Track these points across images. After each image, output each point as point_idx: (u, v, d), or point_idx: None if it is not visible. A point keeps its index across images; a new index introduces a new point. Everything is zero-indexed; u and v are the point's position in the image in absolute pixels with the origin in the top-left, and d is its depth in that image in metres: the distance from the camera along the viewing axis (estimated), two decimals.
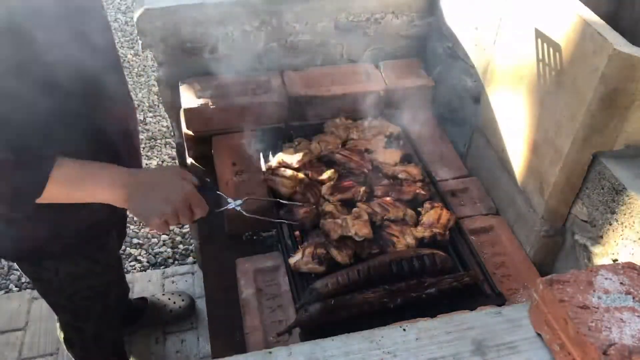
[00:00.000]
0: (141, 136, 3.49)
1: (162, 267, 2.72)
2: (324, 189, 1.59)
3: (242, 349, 1.32)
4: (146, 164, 3.32)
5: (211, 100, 1.85)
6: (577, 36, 1.20)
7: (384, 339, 0.86)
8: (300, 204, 1.53)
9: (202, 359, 2.34)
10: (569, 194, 1.36)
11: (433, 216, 1.52)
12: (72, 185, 1.09)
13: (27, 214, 1.25)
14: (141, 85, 4.00)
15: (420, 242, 1.48)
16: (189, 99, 1.87)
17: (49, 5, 1.07)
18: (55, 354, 2.31)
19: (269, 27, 1.94)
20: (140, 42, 1.87)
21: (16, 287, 2.60)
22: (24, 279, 2.59)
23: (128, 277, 2.61)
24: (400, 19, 2.05)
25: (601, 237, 1.27)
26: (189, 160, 1.97)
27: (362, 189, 1.59)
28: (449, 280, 1.34)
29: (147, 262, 2.75)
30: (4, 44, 1.00)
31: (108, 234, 1.58)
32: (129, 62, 4.22)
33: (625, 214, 1.18)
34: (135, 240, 2.84)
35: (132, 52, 4.33)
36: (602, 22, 1.18)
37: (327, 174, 1.64)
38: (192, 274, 2.68)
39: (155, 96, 3.85)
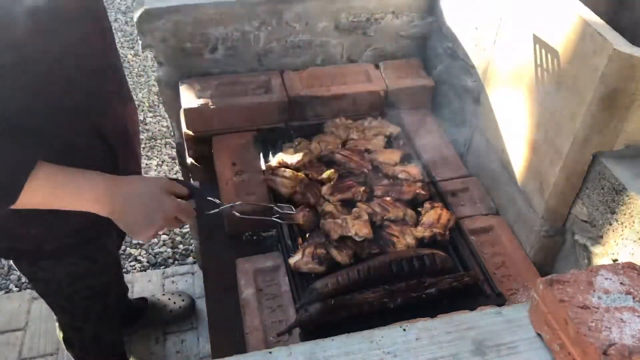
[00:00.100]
0: (141, 136, 3.49)
1: (162, 267, 2.72)
2: (324, 189, 1.59)
3: (242, 349, 1.32)
4: (146, 164, 3.32)
5: (211, 100, 1.85)
6: (577, 36, 1.20)
7: (384, 339, 0.86)
8: (292, 212, 1.51)
9: (202, 359, 2.34)
10: (569, 194, 1.36)
11: (433, 216, 1.52)
12: (50, 195, 1.06)
13: (18, 217, 1.24)
14: (141, 85, 4.00)
15: (420, 242, 1.48)
16: (189, 99, 1.87)
17: (51, 4, 1.06)
18: (55, 354, 2.31)
19: (269, 27, 1.94)
20: (140, 42, 1.87)
21: (16, 287, 2.60)
22: (24, 279, 2.59)
23: (128, 277, 2.61)
24: (400, 19, 2.05)
25: (601, 237, 1.27)
26: (189, 160, 1.97)
27: (362, 189, 1.59)
28: (449, 280, 1.34)
29: (147, 262, 2.75)
30: (1, 39, 1.00)
31: (107, 234, 1.58)
32: (129, 62, 4.22)
33: (625, 214, 1.18)
34: (135, 241, 2.84)
35: (132, 52, 4.33)
36: (602, 22, 1.18)
37: (327, 174, 1.64)
38: (192, 274, 2.68)
39: (155, 96, 3.85)
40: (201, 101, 1.85)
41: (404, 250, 1.43)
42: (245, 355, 0.85)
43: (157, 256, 2.77)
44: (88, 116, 1.25)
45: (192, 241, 2.81)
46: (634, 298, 0.82)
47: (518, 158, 1.53)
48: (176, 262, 2.76)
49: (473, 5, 1.74)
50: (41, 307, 2.42)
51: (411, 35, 2.11)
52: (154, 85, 3.95)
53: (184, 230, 2.91)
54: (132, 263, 2.74)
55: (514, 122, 1.53)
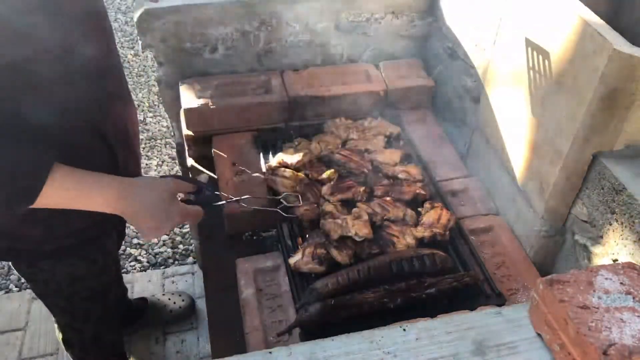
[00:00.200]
0: (141, 136, 3.49)
1: (162, 267, 2.72)
2: (324, 189, 1.59)
3: (242, 349, 1.32)
4: (146, 164, 3.32)
5: (211, 100, 1.85)
6: (577, 36, 1.20)
7: (384, 339, 0.86)
8: (299, 204, 1.53)
9: (202, 359, 2.34)
10: (569, 194, 1.36)
11: (433, 216, 1.52)
12: (65, 194, 1.09)
13: (18, 217, 1.25)
14: (141, 85, 4.00)
15: (420, 242, 1.48)
16: (189, 99, 1.87)
17: (51, 4, 1.06)
18: (55, 354, 2.31)
19: (269, 27, 1.94)
20: (140, 42, 1.87)
21: (16, 287, 2.60)
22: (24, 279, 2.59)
23: (128, 277, 2.61)
24: (400, 19, 2.05)
25: (601, 237, 1.27)
26: (189, 160, 1.97)
27: (362, 189, 1.59)
28: (449, 280, 1.34)
29: (147, 262, 2.75)
30: (4, 43, 1.00)
31: (107, 235, 1.58)
32: (129, 62, 4.22)
33: (625, 214, 1.18)
34: (135, 240, 2.84)
35: (132, 52, 4.33)
36: (602, 22, 1.18)
37: (327, 174, 1.64)
38: (192, 274, 2.68)
39: (155, 96, 3.85)
40: (201, 101, 1.85)
41: (404, 250, 1.43)
42: (245, 355, 0.85)
43: (157, 256, 2.77)
44: (88, 117, 1.25)
45: (192, 241, 2.81)
46: (634, 298, 0.82)
47: (518, 158, 1.53)
48: (176, 262, 2.75)
49: (473, 5, 1.74)
50: (41, 307, 2.41)
51: (411, 35, 2.11)
52: (154, 85, 3.95)
53: (184, 230, 2.91)
54: (132, 263, 2.74)
55: (514, 122, 1.53)
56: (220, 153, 1.81)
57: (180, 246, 2.83)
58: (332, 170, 1.65)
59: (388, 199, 1.57)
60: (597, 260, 1.29)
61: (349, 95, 1.94)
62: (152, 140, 3.52)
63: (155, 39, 1.86)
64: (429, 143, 1.90)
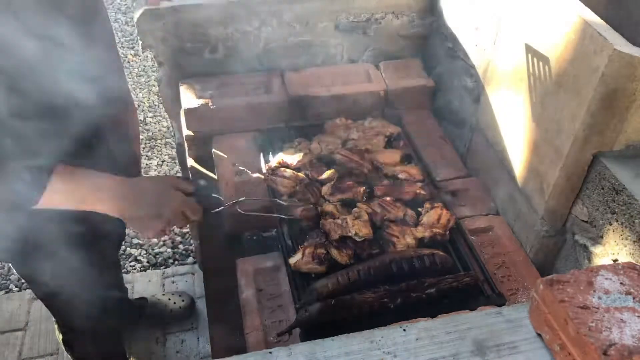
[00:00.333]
0: (141, 136, 3.49)
1: (162, 267, 2.72)
2: (324, 189, 1.59)
3: (242, 349, 1.32)
4: (146, 164, 3.32)
5: (211, 100, 1.85)
6: (577, 36, 1.20)
7: (384, 339, 0.86)
8: (300, 204, 1.53)
9: (202, 359, 2.34)
10: (569, 194, 1.36)
11: (433, 216, 1.52)
12: (68, 195, 1.10)
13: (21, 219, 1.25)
14: (141, 85, 4.00)
15: (420, 242, 1.48)
16: (189, 99, 1.87)
17: (52, 8, 1.06)
18: (55, 354, 2.31)
19: (269, 27, 1.94)
20: (140, 42, 1.87)
21: (16, 287, 2.60)
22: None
23: (128, 277, 2.61)
24: (400, 19, 2.05)
25: (601, 237, 1.26)
26: (189, 160, 1.97)
27: (362, 189, 1.59)
28: (449, 280, 1.34)
29: (147, 262, 2.75)
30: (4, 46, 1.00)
31: (107, 237, 1.58)
32: (129, 62, 4.22)
33: (625, 214, 1.18)
34: (135, 241, 2.84)
35: (132, 52, 4.33)
36: (602, 22, 1.18)
37: (327, 174, 1.64)
38: (192, 274, 2.67)
39: (155, 96, 3.85)
40: (201, 101, 1.85)
41: (404, 250, 1.43)
42: (245, 355, 0.85)
43: (157, 256, 2.77)
44: (88, 118, 1.25)
45: (192, 241, 2.81)
46: (634, 298, 0.82)
47: (518, 158, 1.53)
48: (176, 262, 2.75)
49: (473, 5, 1.74)
50: (41, 307, 2.42)
51: (411, 35, 2.11)
52: (154, 85, 3.95)
53: (184, 230, 2.90)
54: (132, 263, 2.74)
55: (514, 122, 1.53)
56: (220, 153, 1.81)
57: (180, 246, 2.83)
58: (332, 170, 1.65)
59: (388, 199, 1.57)
60: (597, 260, 1.29)
61: (349, 95, 1.94)
62: (152, 140, 3.52)
63: (155, 39, 1.86)
64: (429, 143, 1.90)
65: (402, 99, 2.01)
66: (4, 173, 1.01)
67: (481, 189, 1.74)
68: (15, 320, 2.44)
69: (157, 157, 3.39)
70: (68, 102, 1.17)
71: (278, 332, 1.31)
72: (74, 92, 1.17)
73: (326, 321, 1.25)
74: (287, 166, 1.67)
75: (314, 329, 1.26)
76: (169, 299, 2.45)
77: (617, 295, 0.83)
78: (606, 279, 0.85)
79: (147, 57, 4.21)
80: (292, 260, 1.41)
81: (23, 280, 2.59)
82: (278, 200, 1.53)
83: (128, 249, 2.80)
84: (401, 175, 1.66)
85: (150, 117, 3.71)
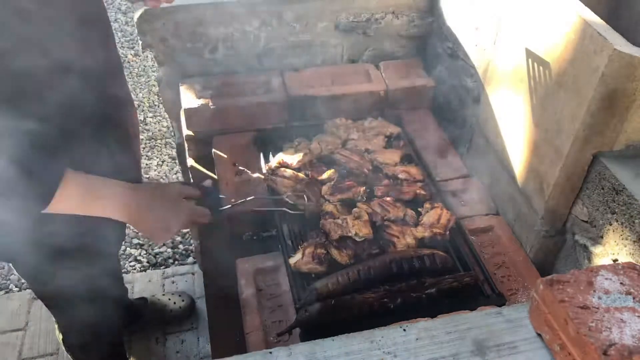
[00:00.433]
0: (141, 136, 3.49)
1: (162, 267, 2.72)
2: (324, 189, 1.59)
3: (242, 349, 1.32)
4: (146, 164, 3.32)
5: (211, 100, 1.85)
6: (577, 36, 1.20)
7: (384, 339, 0.86)
8: (305, 202, 1.53)
9: (202, 359, 2.34)
10: (569, 194, 1.36)
11: (433, 216, 1.52)
12: (78, 201, 1.10)
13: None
14: (141, 85, 4.00)
15: (421, 242, 1.48)
16: (189, 99, 1.87)
17: (56, 10, 1.06)
18: (55, 354, 2.31)
19: (269, 27, 1.94)
20: (140, 42, 1.87)
21: (16, 287, 2.60)
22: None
23: (128, 277, 2.61)
24: (400, 19, 2.05)
25: (601, 237, 1.27)
26: (189, 160, 1.97)
27: (362, 189, 1.59)
28: (449, 280, 1.34)
29: (147, 262, 2.75)
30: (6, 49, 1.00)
31: (107, 238, 1.58)
32: (129, 62, 4.22)
33: (625, 214, 1.18)
34: (135, 241, 2.84)
35: (132, 52, 4.33)
36: (602, 22, 1.18)
37: (327, 174, 1.64)
38: (192, 274, 2.68)
39: (156, 96, 3.85)
40: (201, 101, 1.85)
41: (404, 250, 1.43)
42: (245, 355, 0.85)
43: (157, 256, 2.77)
44: (89, 119, 1.25)
45: (192, 241, 2.81)
46: (634, 298, 0.82)
47: (518, 158, 1.53)
48: (176, 262, 2.75)
49: (473, 5, 1.74)
50: (41, 307, 2.42)
51: (411, 35, 2.11)
52: (154, 85, 3.95)
53: (184, 231, 2.91)
54: (132, 263, 2.74)
55: (514, 122, 1.53)
56: (220, 153, 1.81)
57: (180, 246, 2.83)
58: (332, 170, 1.65)
59: (388, 199, 1.57)
60: (597, 260, 1.29)
61: (349, 95, 1.94)
62: (152, 140, 3.52)
63: (155, 39, 1.86)
64: (429, 143, 1.90)
65: (402, 99, 2.01)
66: (14, 177, 1.01)
67: (481, 189, 1.74)
68: (15, 320, 2.44)
69: (157, 157, 3.39)
70: (69, 103, 1.17)
71: (278, 332, 1.31)
72: (74, 93, 1.18)
73: (326, 321, 1.25)
74: (287, 166, 1.67)
75: (314, 329, 1.26)
76: (169, 299, 2.45)
77: (617, 295, 0.83)
78: (606, 279, 0.85)
79: (147, 57, 4.21)
80: (292, 260, 1.41)
81: (23, 280, 2.60)
82: (284, 197, 1.53)
83: (128, 249, 2.80)
84: (401, 175, 1.66)
85: (150, 117, 3.71)
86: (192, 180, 1.96)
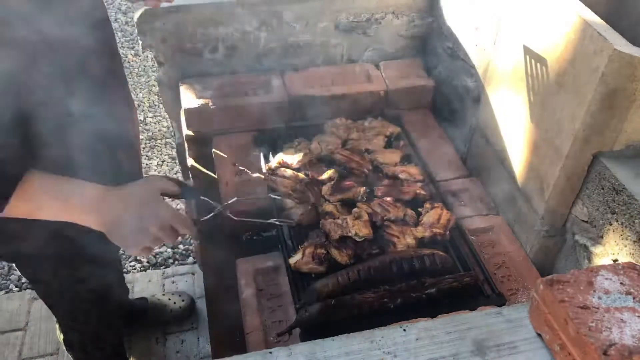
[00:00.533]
0: (141, 136, 3.49)
1: (162, 267, 2.72)
2: (324, 189, 1.59)
3: (242, 349, 1.32)
4: (146, 164, 3.32)
5: (211, 100, 1.85)
6: (577, 36, 1.20)
7: (384, 339, 0.86)
8: (296, 203, 1.52)
9: (202, 359, 2.34)
10: (569, 194, 1.36)
11: (433, 216, 1.52)
12: (40, 204, 1.03)
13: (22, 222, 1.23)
14: (141, 85, 4.00)
15: (421, 242, 1.48)
16: (189, 99, 1.87)
17: (54, 10, 1.06)
18: (55, 354, 2.31)
19: (269, 27, 1.94)
20: (140, 42, 1.87)
21: (16, 287, 2.60)
22: (25, 279, 2.58)
23: (128, 277, 2.61)
24: (400, 19, 2.05)
25: (601, 237, 1.26)
26: (189, 160, 1.97)
27: (362, 189, 1.59)
28: (449, 280, 1.34)
29: (147, 262, 2.75)
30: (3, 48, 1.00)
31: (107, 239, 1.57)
32: (129, 62, 4.22)
33: (625, 214, 1.18)
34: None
35: (132, 52, 4.33)
36: (602, 22, 1.18)
37: (327, 174, 1.64)
38: (192, 274, 2.68)
39: (156, 96, 3.85)
40: (201, 101, 1.85)
41: (404, 250, 1.43)
42: (245, 355, 0.85)
43: (157, 256, 2.77)
44: (89, 120, 1.25)
45: (192, 241, 2.81)
46: (634, 298, 0.82)
47: (518, 158, 1.53)
48: (176, 262, 2.75)
49: (473, 5, 1.74)
50: (41, 307, 2.42)
51: (411, 35, 2.11)
52: (154, 85, 3.94)
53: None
54: (133, 263, 2.74)
55: (514, 122, 1.53)
56: (220, 153, 1.81)
57: (180, 246, 2.83)
58: (332, 170, 1.65)
59: (388, 199, 1.57)
60: (597, 260, 1.29)
61: (349, 95, 1.94)
62: (152, 140, 3.52)
63: (156, 39, 1.86)
64: (429, 143, 1.90)
65: (402, 99, 2.01)
66: None
67: (481, 189, 1.74)
68: (15, 320, 2.44)
69: (157, 157, 3.39)
70: (68, 104, 1.17)
71: (278, 332, 1.31)
72: (74, 94, 1.17)
73: (326, 321, 1.25)
74: (287, 166, 1.67)
75: (314, 329, 1.26)
76: (169, 299, 2.45)
77: (617, 295, 0.83)
78: (606, 279, 0.85)
79: (147, 57, 4.21)
80: (292, 260, 1.41)
81: (23, 280, 2.60)
82: (272, 195, 1.52)
83: None
84: (401, 175, 1.66)
85: (150, 117, 3.71)
86: (191, 180, 1.96)
